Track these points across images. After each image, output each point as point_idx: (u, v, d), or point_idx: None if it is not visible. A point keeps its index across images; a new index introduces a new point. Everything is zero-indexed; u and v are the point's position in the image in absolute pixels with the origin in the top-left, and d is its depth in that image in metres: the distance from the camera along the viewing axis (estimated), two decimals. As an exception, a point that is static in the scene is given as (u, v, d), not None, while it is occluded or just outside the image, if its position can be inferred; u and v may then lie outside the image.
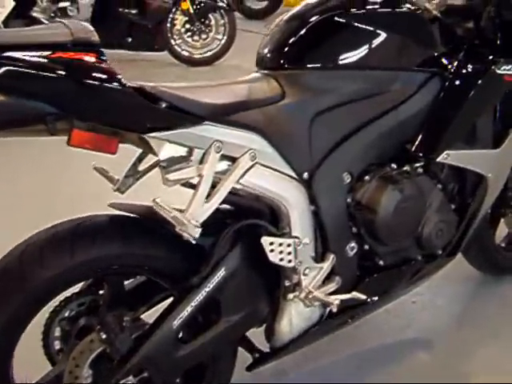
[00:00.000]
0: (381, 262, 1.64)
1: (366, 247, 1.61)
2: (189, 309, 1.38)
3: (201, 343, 1.42)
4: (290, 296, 1.49)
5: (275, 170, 1.43)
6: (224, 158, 1.38)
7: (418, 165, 1.62)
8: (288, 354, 1.63)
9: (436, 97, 1.61)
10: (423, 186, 1.62)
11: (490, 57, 1.69)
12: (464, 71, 1.63)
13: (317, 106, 1.49)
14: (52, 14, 4.74)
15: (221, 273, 1.41)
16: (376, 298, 1.67)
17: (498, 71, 1.66)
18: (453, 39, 1.70)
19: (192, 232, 1.29)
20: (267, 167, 1.42)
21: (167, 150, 1.33)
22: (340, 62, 1.53)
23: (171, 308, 1.39)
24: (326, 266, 1.52)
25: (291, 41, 1.55)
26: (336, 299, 1.49)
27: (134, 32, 4.80)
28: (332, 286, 1.56)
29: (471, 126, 1.67)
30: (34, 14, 4.22)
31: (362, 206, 1.56)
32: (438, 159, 1.60)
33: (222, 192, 1.34)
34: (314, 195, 1.49)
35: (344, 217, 1.54)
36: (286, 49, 1.54)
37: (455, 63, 1.63)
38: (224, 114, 1.36)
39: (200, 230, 1.29)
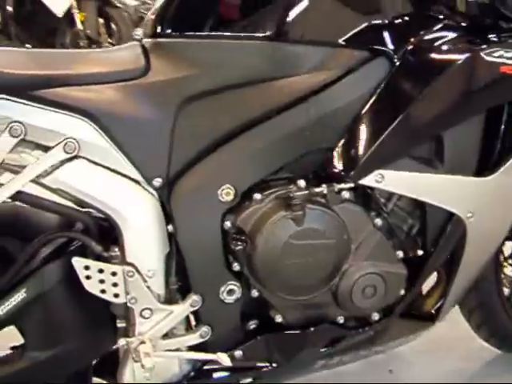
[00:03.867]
0: (278, 318, 1.16)
1: (255, 294, 1.14)
2: None
3: None
4: (122, 341, 1.09)
5: (110, 169, 1.05)
6: (39, 147, 1.05)
7: (343, 186, 1.12)
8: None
9: (375, 86, 1.08)
10: (346, 219, 1.10)
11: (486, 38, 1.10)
12: (427, 51, 1.07)
13: (190, 88, 1.07)
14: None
15: (20, 295, 1.06)
16: (275, 365, 1.23)
17: (490, 58, 1.07)
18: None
19: None
20: (98, 165, 1.05)
21: None
22: (232, 29, 1.10)
23: None
24: (180, 310, 1.09)
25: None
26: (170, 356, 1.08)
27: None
28: (193, 339, 1.12)
29: (431, 135, 1.10)
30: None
31: (244, 236, 1.11)
32: (364, 181, 1.07)
33: (4, 192, 1.00)
34: (172, 211, 1.10)
35: (217, 248, 1.09)
36: (168, 10, 1.14)
37: (417, 40, 1.08)
38: (33, 89, 1.00)
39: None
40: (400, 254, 1.17)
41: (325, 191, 1.10)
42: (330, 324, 1.17)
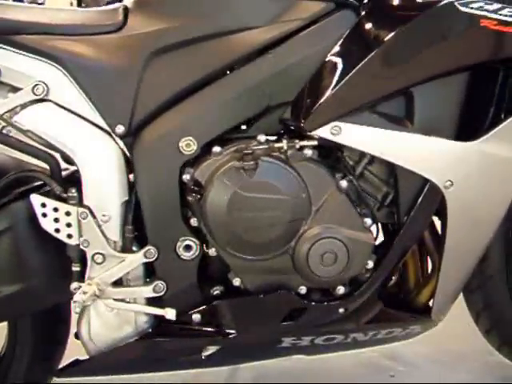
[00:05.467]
0: (236, 282, 1.12)
1: (213, 253, 1.11)
2: None
3: None
4: (74, 285, 1.09)
5: (76, 114, 1.08)
6: (13, 89, 1.09)
7: (305, 143, 1.05)
8: (100, 373, 1.23)
9: (339, 38, 1.03)
10: (307, 178, 1.05)
11: None
12: (396, 1, 1.02)
13: (160, 41, 1.09)
14: None
15: None
16: (234, 333, 1.15)
17: (466, 8, 0.98)
18: None
19: None
20: (65, 109, 1.08)
21: None
22: None
23: None
24: (133, 259, 1.08)
25: None
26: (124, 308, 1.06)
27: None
28: (146, 291, 1.10)
29: (395, 90, 1.01)
30: None
31: (200, 189, 1.08)
32: (318, 132, 1.00)
33: None
34: (134, 160, 1.09)
35: (175, 200, 1.08)
36: None
37: None
38: (10, 33, 1.07)
39: None
40: (368, 221, 1.08)
41: (285, 147, 1.06)
42: (289, 293, 1.10)
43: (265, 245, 1.07)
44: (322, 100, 1.01)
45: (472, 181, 1.06)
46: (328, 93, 1.01)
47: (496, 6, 1.03)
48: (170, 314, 1.08)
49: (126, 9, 1.19)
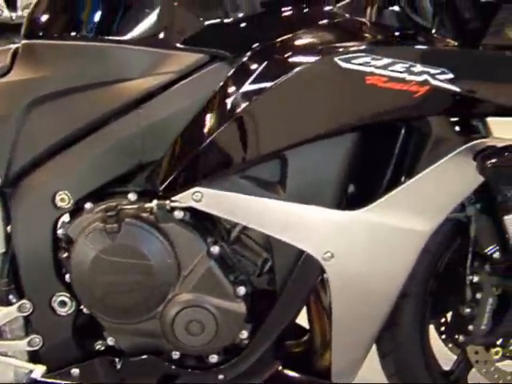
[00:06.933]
0: (110, 341, 1.07)
1: (86, 310, 1.07)
2: None
3: None
4: None
5: None
6: None
7: (176, 205, 0.97)
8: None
9: (211, 92, 0.95)
10: (176, 242, 0.98)
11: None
12: (269, 57, 0.91)
13: (38, 90, 1.04)
14: None
15: None
16: (110, 391, 1.13)
17: (347, 64, 0.87)
18: None
19: None
20: None
21: None
22: (88, 32, 1.03)
23: None
24: (6, 312, 1.05)
25: None
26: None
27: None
28: (21, 345, 1.06)
29: (264, 154, 0.93)
30: None
31: (70, 247, 1.03)
32: (179, 198, 0.93)
33: None
34: (11, 212, 1.06)
35: (49, 255, 1.05)
36: (38, 12, 1.09)
37: (265, 46, 0.93)
38: None
39: None
40: (241, 290, 1.00)
41: (155, 208, 0.99)
42: (161, 357, 1.04)
43: (129, 309, 1.01)
44: (181, 163, 0.94)
45: (357, 253, 0.96)
46: (188, 155, 0.94)
47: (386, 60, 0.91)
48: (38, 371, 1.06)
49: (15, 52, 1.16)
